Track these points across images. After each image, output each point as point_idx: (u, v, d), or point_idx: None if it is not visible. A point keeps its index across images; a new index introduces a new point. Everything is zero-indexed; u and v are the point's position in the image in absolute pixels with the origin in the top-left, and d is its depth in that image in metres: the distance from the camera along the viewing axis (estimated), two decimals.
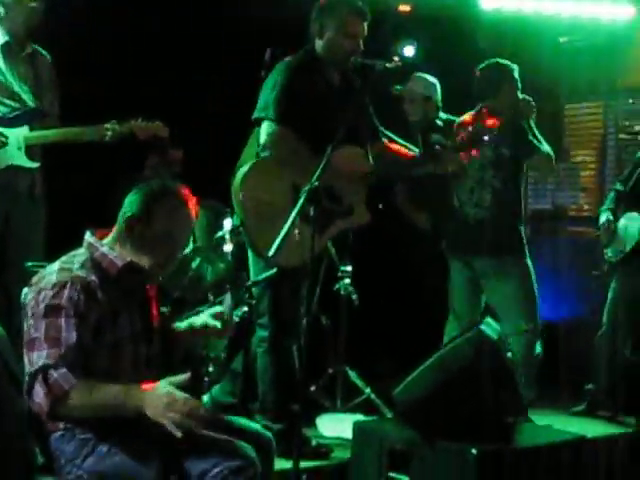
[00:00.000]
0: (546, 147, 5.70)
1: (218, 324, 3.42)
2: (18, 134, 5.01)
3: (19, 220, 5.05)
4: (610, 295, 6.17)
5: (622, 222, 6.14)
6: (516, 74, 5.65)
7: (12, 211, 5.05)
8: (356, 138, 4.71)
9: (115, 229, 3.24)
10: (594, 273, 6.42)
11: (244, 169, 4.69)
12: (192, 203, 3.26)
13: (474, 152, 5.10)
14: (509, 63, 5.67)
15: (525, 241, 5.69)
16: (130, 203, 3.21)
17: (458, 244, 5.74)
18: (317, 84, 4.78)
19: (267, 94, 4.72)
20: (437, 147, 5.17)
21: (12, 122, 5.01)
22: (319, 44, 4.82)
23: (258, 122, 4.75)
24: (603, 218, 6.23)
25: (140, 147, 5.43)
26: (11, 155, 4.99)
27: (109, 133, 5.04)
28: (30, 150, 5.05)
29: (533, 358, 5.67)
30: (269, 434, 3.41)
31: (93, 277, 3.10)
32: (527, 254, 5.67)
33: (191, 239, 6.27)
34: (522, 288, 5.61)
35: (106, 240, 3.22)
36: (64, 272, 3.08)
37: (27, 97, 5.09)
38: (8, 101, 5.03)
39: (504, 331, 5.35)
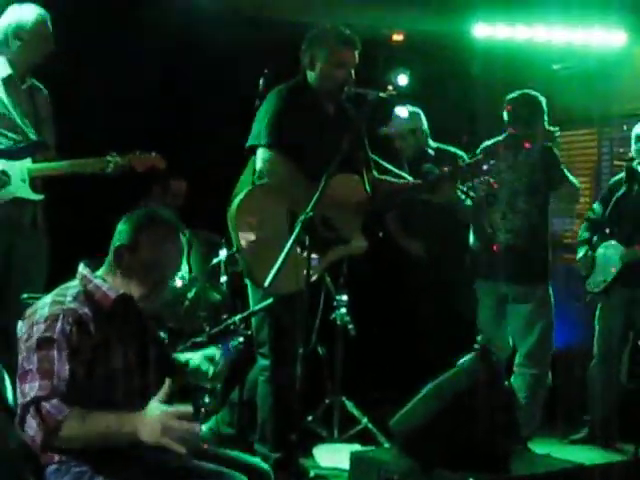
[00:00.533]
0: (573, 178, 5.78)
1: (210, 369, 3.44)
2: (22, 166, 5.03)
3: (23, 252, 5.06)
4: (598, 326, 6.17)
5: (600, 251, 6.15)
6: (545, 106, 5.77)
7: (16, 243, 5.05)
8: (350, 168, 4.72)
9: (107, 259, 3.24)
10: (577, 305, 6.44)
11: (241, 196, 4.70)
12: (180, 231, 3.26)
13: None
14: (539, 94, 5.80)
15: (550, 269, 5.79)
16: (119, 232, 3.22)
17: (489, 270, 5.77)
18: (310, 113, 4.79)
19: (260, 121, 4.74)
20: (432, 176, 5.16)
21: (17, 154, 5.03)
22: (311, 75, 4.84)
23: (252, 150, 4.76)
24: (581, 254, 6.25)
25: (143, 179, 5.44)
26: (15, 187, 5.01)
27: (111, 165, 5.07)
28: (34, 182, 5.07)
29: (538, 396, 5.69)
30: (267, 467, 3.41)
31: (86, 309, 3.09)
32: (549, 282, 5.77)
33: (187, 270, 6.29)
34: (542, 317, 5.71)
35: (99, 271, 3.22)
36: (56, 305, 3.07)
37: (29, 130, 5.11)
38: (11, 134, 5.05)
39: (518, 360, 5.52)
